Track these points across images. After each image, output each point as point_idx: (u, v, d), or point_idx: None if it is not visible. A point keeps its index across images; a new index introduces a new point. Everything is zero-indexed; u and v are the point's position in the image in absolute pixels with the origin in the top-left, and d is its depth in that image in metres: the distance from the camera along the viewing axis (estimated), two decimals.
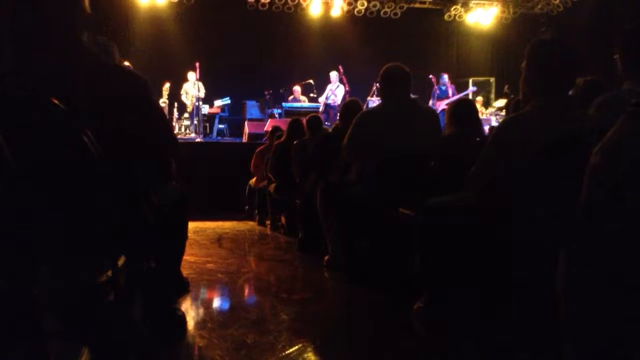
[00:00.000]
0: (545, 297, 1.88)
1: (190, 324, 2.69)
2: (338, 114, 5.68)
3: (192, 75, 10.03)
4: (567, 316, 1.52)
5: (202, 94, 9.97)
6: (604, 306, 1.41)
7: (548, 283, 1.73)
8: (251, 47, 11.56)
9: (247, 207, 7.02)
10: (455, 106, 3.45)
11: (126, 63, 8.33)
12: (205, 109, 10.43)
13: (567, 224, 1.63)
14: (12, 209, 1.33)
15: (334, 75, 10.18)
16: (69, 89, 1.62)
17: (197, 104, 9.82)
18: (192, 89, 10.05)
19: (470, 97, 10.53)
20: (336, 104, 9.94)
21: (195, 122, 9.88)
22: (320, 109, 9.91)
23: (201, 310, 2.99)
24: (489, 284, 2.39)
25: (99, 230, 1.53)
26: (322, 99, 10.18)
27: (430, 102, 10.25)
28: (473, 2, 11.84)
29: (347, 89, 10.00)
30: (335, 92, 10.08)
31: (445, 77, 10.72)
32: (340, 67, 10.09)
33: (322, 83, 10.36)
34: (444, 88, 10.57)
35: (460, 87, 11.14)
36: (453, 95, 10.33)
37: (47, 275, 1.42)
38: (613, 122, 1.45)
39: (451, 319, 2.58)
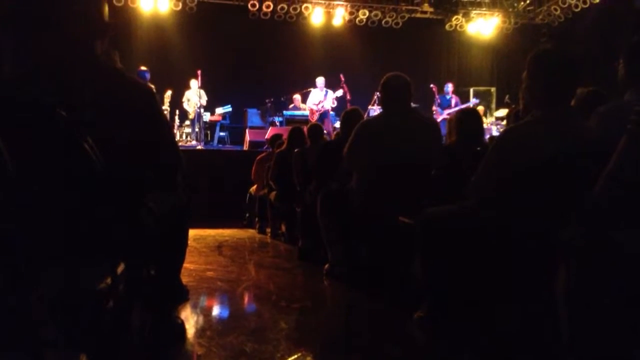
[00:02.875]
0: (545, 305, 1.88)
1: (189, 331, 2.68)
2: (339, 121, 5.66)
3: (194, 83, 10.07)
4: (569, 333, 1.51)
5: (203, 102, 10.01)
6: (605, 322, 1.41)
7: (548, 292, 1.72)
8: (253, 55, 11.58)
9: (247, 215, 7.02)
10: (460, 115, 3.45)
11: (143, 68, 8.41)
12: (207, 117, 10.47)
13: (567, 234, 1.63)
14: (10, 215, 1.33)
15: (321, 81, 10.20)
16: (74, 95, 1.63)
17: (198, 111, 9.85)
18: (194, 96, 10.08)
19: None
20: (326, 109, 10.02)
21: (197, 129, 9.91)
22: (315, 117, 9.90)
23: (200, 318, 2.98)
24: (489, 293, 2.38)
25: (98, 237, 1.53)
26: (312, 105, 10.15)
27: (434, 111, 10.24)
28: (474, 12, 11.90)
29: (349, 97, 10.01)
30: (328, 98, 10.14)
31: (450, 86, 10.69)
32: (341, 76, 10.11)
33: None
34: (448, 97, 10.55)
35: (462, 96, 11.14)
36: (456, 105, 10.32)
37: (45, 282, 1.42)
38: (614, 133, 1.45)
39: (452, 327, 2.57)
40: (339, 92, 10.07)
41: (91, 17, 1.76)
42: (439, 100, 10.43)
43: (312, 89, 10.28)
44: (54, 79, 1.64)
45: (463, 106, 10.35)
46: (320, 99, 10.14)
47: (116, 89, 1.76)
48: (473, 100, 10.94)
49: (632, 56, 2.40)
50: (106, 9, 1.82)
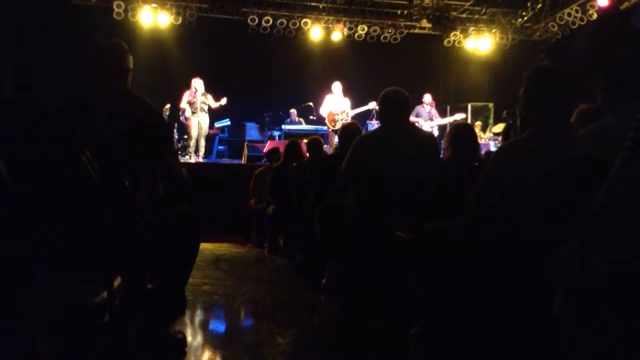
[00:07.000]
0: (544, 321, 1.87)
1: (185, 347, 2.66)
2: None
3: None
4: (567, 348, 1.51)
5: None
6: (601, 335, 1.40)
7: (547, 307, 1.72)
8: (252, 69, 11.63)
9: (247, 230, 6.99)
10: (454, 130, 3.46)
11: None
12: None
13: (562, 250, 1.63)
14: (7, 228, 1.33)
15: (338, 86, 9.57)
16: (90, 116, 1.83)
17: None
18: None
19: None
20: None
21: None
22: (337, 126, 9.13)
23: (197, 333, 2.96)
24: (487, 309, 2.38)
25: (94, 250, 1.53)
26: (332, 111, 9.48)
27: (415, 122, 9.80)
28: (472, 28, 11.99)
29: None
30: (347, 105, 9.49)
31: (428, 96, 10.04)
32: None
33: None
34: (427, 109, 9.98)
35: (458, 112, 11.05)
36: (435, 117, 10.02)
37: (41, 296, 1.41)
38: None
39: (449, 343, 2.55)
40: (371, 104, 9.29)
41: (114, 64, 2.11)
42: (417, 111, 9.77)
43: (327, 95, 9.70)
44: (75, 104, 1.79)
45: (446, 120, 10.06)
46: (341, 107, 9.50)
47: (127, 111, 1.95)
48: (459, 115, 10.17)
49: (610, 79, 2.43)
50: (130, 58, 2.19)
